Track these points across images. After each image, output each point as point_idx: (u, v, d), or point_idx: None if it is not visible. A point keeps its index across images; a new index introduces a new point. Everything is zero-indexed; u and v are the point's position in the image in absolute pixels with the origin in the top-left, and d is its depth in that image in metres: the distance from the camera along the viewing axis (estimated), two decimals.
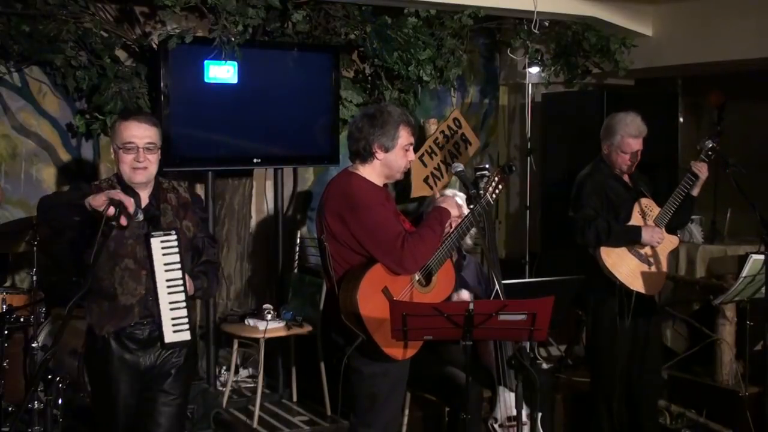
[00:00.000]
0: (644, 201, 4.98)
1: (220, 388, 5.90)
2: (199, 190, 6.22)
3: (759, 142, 7.01)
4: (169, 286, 3.53)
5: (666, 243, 4.96)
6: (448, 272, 4.07)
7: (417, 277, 3.93)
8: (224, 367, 6.09)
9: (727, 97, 7.00)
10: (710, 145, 4.87)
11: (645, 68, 7.05)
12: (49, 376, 4.67)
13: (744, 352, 5.58)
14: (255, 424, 5.47)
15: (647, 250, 4.93)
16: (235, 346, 5.77)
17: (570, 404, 5.83)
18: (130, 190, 3.52)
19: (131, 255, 3.57)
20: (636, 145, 4.95)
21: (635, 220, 4.95)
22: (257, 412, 5.52)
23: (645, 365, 5.13)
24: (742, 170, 4.76)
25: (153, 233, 3.52)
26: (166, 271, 3.53)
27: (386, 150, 3.94)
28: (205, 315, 6.01)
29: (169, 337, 3.60)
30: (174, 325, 3.60)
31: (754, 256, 4.68)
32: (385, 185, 4.08)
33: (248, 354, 6.23)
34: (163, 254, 3.54)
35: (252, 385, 6.08)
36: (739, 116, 7.10)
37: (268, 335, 5.52)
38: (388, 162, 3.97)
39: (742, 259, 4.94)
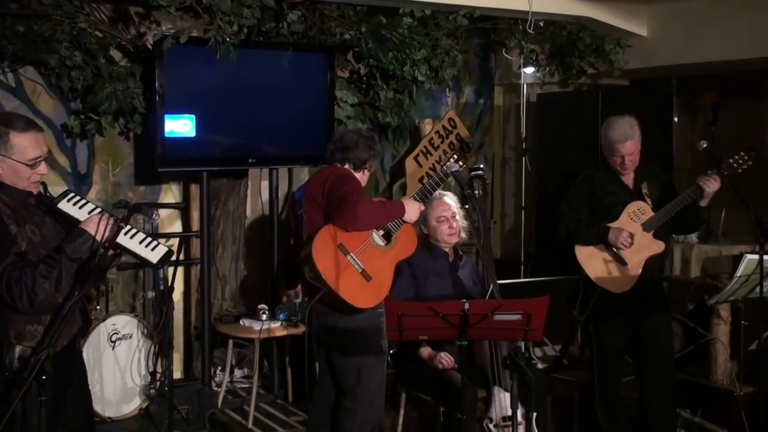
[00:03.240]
0: (637, 204, 4.98)
1: (215, 389, 5.90)
2: (195, 190, 6.22)
3: (753, 142, 7.01)
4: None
5: (646, 246, 4.95)
6: (410, 233, 4.47)
7: (375, 236, 4.35)
8: (219, 368, 6.08)
9: (722, 98, 7.01)
10: (704, 146, 4.88)
11: (640, 68, 7.06)
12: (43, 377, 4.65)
13: (739, 351, 5.58)
14: (250, 425, 5.47)
15: (623, 251, 4.93)
16: (230, 346, 5.78)
17: (565, 404, 5.83)
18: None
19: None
20: (623, 149, 4.95)
21: (623, 221, 4.96)
22: (252, 412, 5.52)
23: (655, 369, 5.13)
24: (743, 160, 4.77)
25: (54, 201, 3.52)
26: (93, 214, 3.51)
27: (369, 170, 4.58)
28: (200, 315, 6.01)
29: (155, 257, 3.60)
30: (147, 246, 3.60)
31: (749, 256, 4.69)
32: None
33: (243, 354, 6.23)
34: (80, 207, 3.53)
35: (247, 385, 6.08)
36: (733, 116, 7.11)
37: (263, 336, 5.52)
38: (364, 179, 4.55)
39: (737, 259, 4.96)
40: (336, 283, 4.17)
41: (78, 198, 3.58)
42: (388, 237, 4.41)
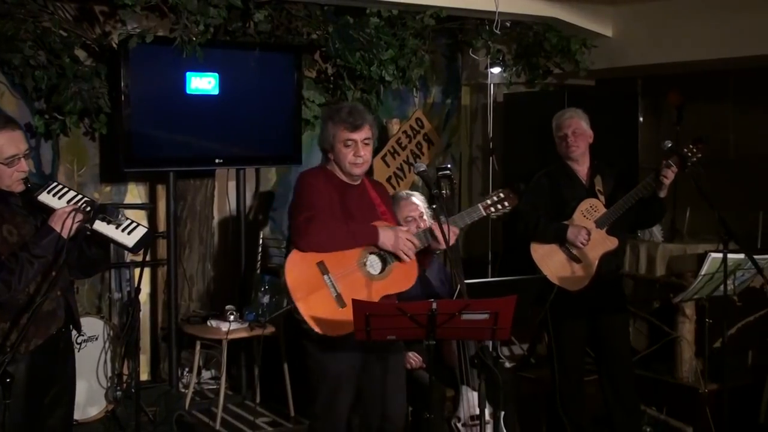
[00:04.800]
0: (590, 201, 5.02)
1: (183, 390, 5.87)
2: (161, 190, 6.18)
3: (717, 142, 7.10)
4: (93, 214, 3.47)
5: (599, 243, 4.98)
6: (409, 269, 4.02)
7: (368, 260, 3.95)
8: (186, 369, 6.05)
9: (686, 98, 7.07)
10: (669, 145, 4.91)
11: (605, 69, 7.11)
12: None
13: (703, 349, 5.64)
14: (218, 426, 5.44)
15: (577, 249, 4.97)
16: (198, 347, 5.74)
17: (532, 403, 5.86)
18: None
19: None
20: (565, 126, 5.06)
21: (578, 218, 4.99)
22: (220, 413, 5.50)
23: (614, 366, 5.17)
24: (700, 169, 4.81)
25: (35, 193, 3.48)
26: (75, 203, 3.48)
27: (345, 145, 4.00)
28: (167, 316, 5.98)
29: (131, 241, 3.53)
30: (123, 230, 3.54)
31: (713, 255, 4.73)
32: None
33: (211, 355, 6.20)
34: (59, 198, 3.50)
35: (215, 386, 6.06)
36: (697, 116, 7.18)
37: (230, 336, 5.50)
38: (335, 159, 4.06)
39: (702, 258, 5.00)
40: (301, 301, 3.83)
41: (60, 187, 3.54)
42: (383, 264, 4.00)
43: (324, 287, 3.85)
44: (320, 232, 3.86)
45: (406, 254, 3.93)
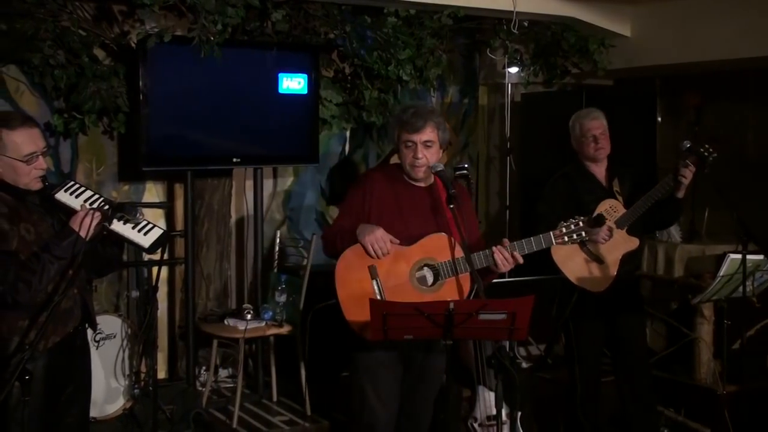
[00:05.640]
0: (609, 202, 4.99)
1: (200, 389, 5.89)
2: (179, 189, 6.20)
3: (736, 142, 7.06)
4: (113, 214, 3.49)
5: (621, 244, 4.96)
6: (459, 286, 3.91)
7: (418, 273, 3.88)
8: (204, 368, 6.06)
9: (705, 98, 7.03)
10: (687, 146, 4.89)
11: (623, 68, 7.08)
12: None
13: (722, 350, 5.61)
14: (235, 425, 5.45)
15: (598, 249, 4.95)
16: (215, 346, 5.76)
17: (549, 403, 5.84)
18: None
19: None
20: (593, 128, 5.02)
21: None
22: (237, 412, 5.50)
23: (631, 367, 5.15)
24: (719, 170, 4.78)
25: (53, 191, 3.51)
26: (92, 203, 3.50)
27: (406, 145, 3.98)
28: (185, 315, 6.00)
29: (147, 242, 3.54)
30: (140, 231, 3.55)
31: (732, 256, 4.71)
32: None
33: (228, 354, 6.21)
34: (76, 197, 3.52)
35: (231, 385, 6.07)
36: (716, 117, 7.14)
37: (247, 335, 5.51)
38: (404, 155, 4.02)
39: (720, 259, 4.97)
40: (346, 301, 3.84)
41: (77, 186, 3.56)
42: (435, 278, 3.91)
43: (371, 292, 3.82)
44: (323, 240, 3.97)
45: (375, 251, 3.81)
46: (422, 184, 4.05)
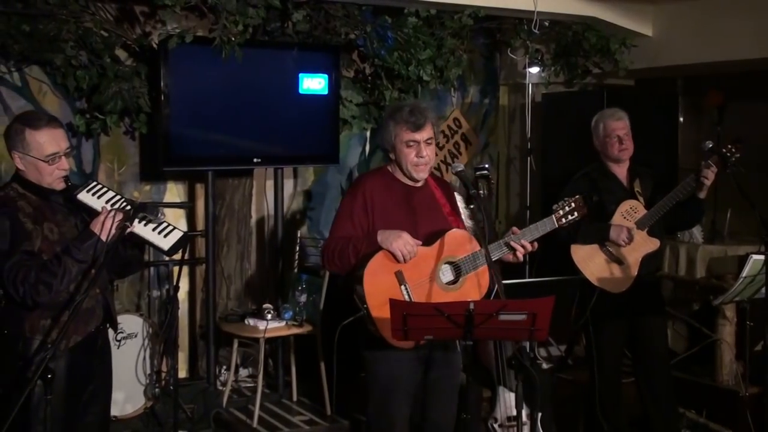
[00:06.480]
0: (630, 202, 4.96)
1: (220, 388, 5.90)
2: (200, 189, 6.23)
3: (759, 142, 7.01)
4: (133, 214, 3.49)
5: (641, 245, 4.93)
6: (479, 280, 3.90)
7: (443, 270, 3.85)
8: (224, 367, 6.08)
9: (727, 98, 6.99)
10: (709, 146, 4.86)
11: (645, 68, 7.04)
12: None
13: (744, 352, 5.56)
14: (255, 424, 5.47)
15: (619, 250, 4.92)
16: (235, 345, 5.78)
17: (569, 404, 5.82)
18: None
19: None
20: (618, 128, 5.00)
21: (617, 220, 4.95)
22: (257, 411, 5.52)
23: (652, 368, 5.13)
24: (741, 170, 4.75)
25: (75, 192, 3.52)
26: (113, 204, 3.51)
27: (408, 145, 3.91)
28: (205, 314, 6.02)
29: (167, 244, 3.55)
30: (160, 233, 3.56)
31: (754, 257, 4.67)
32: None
33: (248, 353, 6.23)
34: (98, 197, 3.53)
35: (252, 384, 6.08)
36: (739, 117, 7.10)
37: (268, 335, 5.52)
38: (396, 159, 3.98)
39: (742, 260, 4.93)
40: (377, 310, 3.72)
41: (99, 187, 3.58)
42: (456, 276, 3.89)
43: (400, 297, 3.76)
44: (329, 252, 3.86)
45: (403, 254, 3.76)
46: (418, 184, 4.02)
